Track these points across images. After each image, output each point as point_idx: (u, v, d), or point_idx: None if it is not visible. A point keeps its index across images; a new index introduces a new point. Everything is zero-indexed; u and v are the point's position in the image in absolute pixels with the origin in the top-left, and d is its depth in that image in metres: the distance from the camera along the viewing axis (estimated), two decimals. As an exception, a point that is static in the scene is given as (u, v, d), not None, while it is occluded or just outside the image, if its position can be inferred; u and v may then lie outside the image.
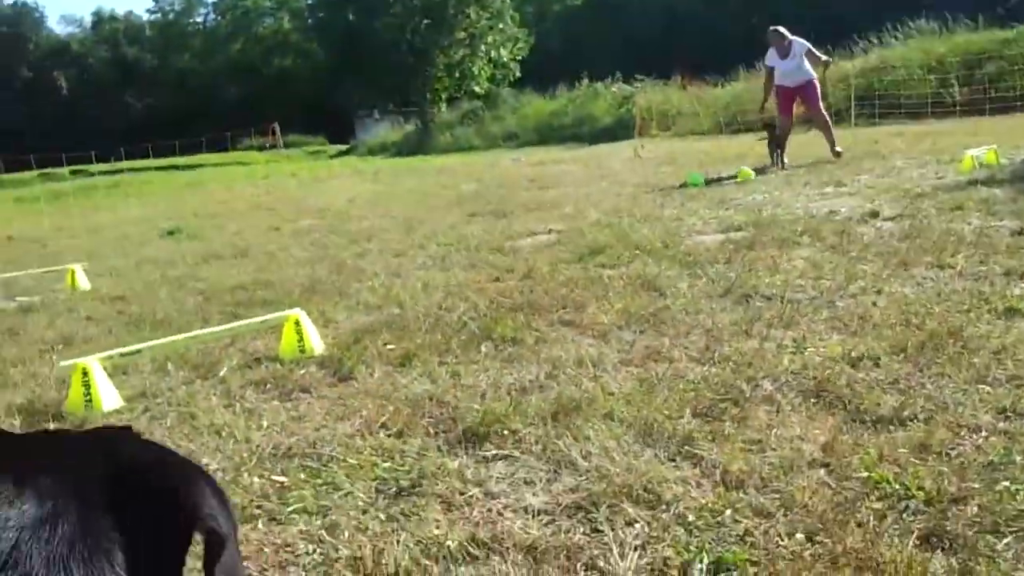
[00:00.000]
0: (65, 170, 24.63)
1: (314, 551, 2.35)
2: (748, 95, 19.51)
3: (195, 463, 0.81)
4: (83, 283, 7.39)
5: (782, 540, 2.14)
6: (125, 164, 24.54)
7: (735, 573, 2.04)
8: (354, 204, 12.45)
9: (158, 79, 63.25)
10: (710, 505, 2.34)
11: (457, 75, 34.42)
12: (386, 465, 2.85)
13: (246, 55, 50.15)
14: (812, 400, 3.03)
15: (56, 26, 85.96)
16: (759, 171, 10.61)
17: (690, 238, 6.55)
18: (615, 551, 2.16)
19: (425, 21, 33.49)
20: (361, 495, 2.65)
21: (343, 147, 39.36)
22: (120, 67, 64.65)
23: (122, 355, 4.18)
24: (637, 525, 2.29)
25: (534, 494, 2.55)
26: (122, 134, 45.13)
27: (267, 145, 34.09)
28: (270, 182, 19.36)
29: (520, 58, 34.67)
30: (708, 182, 10.10)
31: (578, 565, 2.14)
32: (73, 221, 13.76)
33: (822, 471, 2.49)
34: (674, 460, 2.67)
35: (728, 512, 2.30)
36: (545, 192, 11.22)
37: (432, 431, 3.13)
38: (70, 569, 0.65)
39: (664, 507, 2.36)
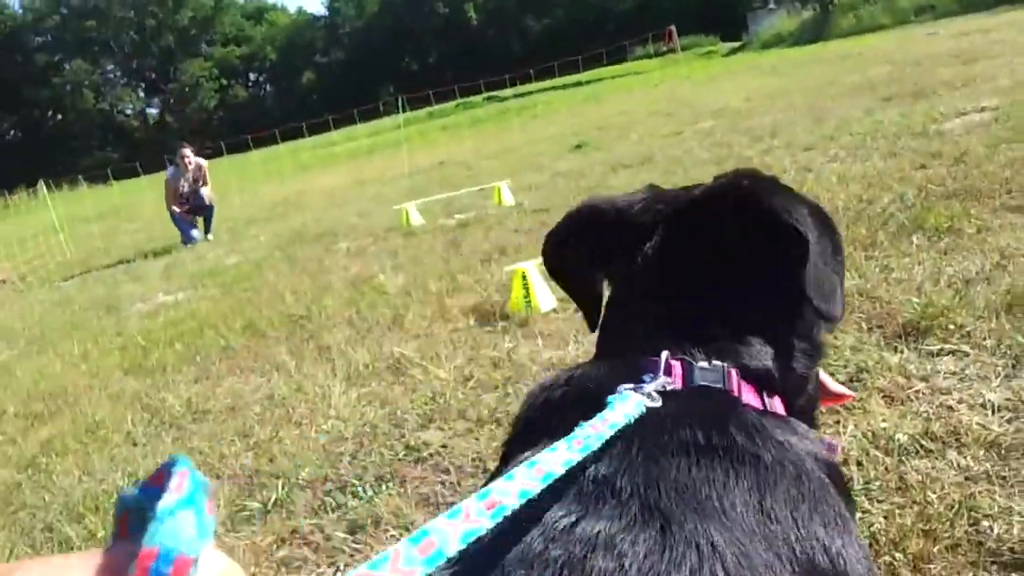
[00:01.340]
0: (480, 97, 27.01)
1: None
2: None
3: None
4: (507, 199, 8.12)
5: None
6: (533, 86, 26.18)
7: None
8: (752, 101, 12.08)
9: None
10: None
11: (861, -54, 31.21)
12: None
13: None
14: None
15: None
16: None
17: None
18: (1100, 449, 1.94)
19: None
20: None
21: (735, 44, 38.06)
22: (518, -8, 68.52)
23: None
24: None
25: (991, 390, 2.36)
26: (525, 57, 48.19)
27: (663, 49, 34.04)
28: (665, 87, 19.47)
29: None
30: None
31: (1053, 465, 1.96)
32: (492, 144, 15.08)
33: None
34: None
35: None
36: (972, 66, 9.89)
37: (866, 326, 3.02)
38: None
39: None
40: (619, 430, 0.78)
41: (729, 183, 1.06)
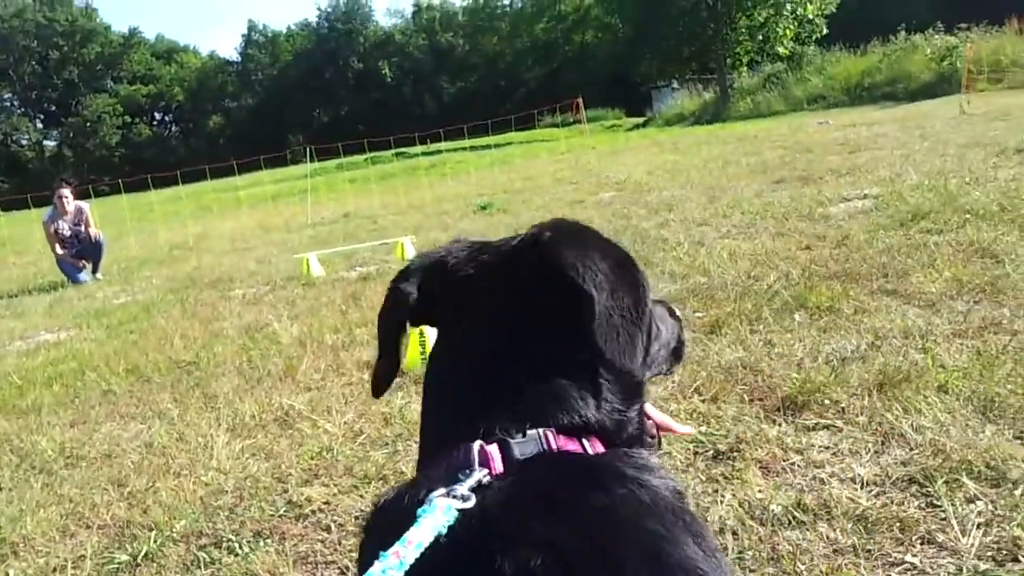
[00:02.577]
0: (390, 153, 27.10)
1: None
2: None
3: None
4: (410, 254, 8.11)
5: None
6: (444, 145, 26.39)
7: (1101, 562, 1.86)
8: (653, 175, 12.49)
9: (468, 63, 67.32)
10: (1068, 487, 2.14)
11: (760, 37, 32.91)
12: (702, 428, 2.90)
13: (549, 33, 51.81)
14: None
15: (382, 19, 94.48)
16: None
17: (1033, 201, 5.86)
18: (955, 527, 2.05)
19: (727, -17, 32.37)
20: (679, 456, 2.72)
21: (639, 120, 39.44)
22: (435, 54, 69.56)
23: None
24: (980, 502, 2.15)
25: (861, 464, 2.47)
26: (437, 117, 48.72)
27: (571, 120, 34.94)
28: (571, 156, 19.94)
29: (828, 13, 32.33)
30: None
31: (913, 538, 2.06)
32: (398, 199, 15.09)
33: None
34: (1021, 438, 2.46)
35: (1090, 496, 2.09)
36: (857, 155, 10.53)
37: (747, 398, 3.13)
38: None
39: (1011, 486, 2.19)
40: (433, 544, 0.77)
41: (532, 236, 1.06)
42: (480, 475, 0.86)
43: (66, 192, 10.58)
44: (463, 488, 0.83)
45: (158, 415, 4.10)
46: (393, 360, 1.18)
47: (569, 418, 0.96)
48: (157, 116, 79.74)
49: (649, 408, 1.17)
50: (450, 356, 1.08)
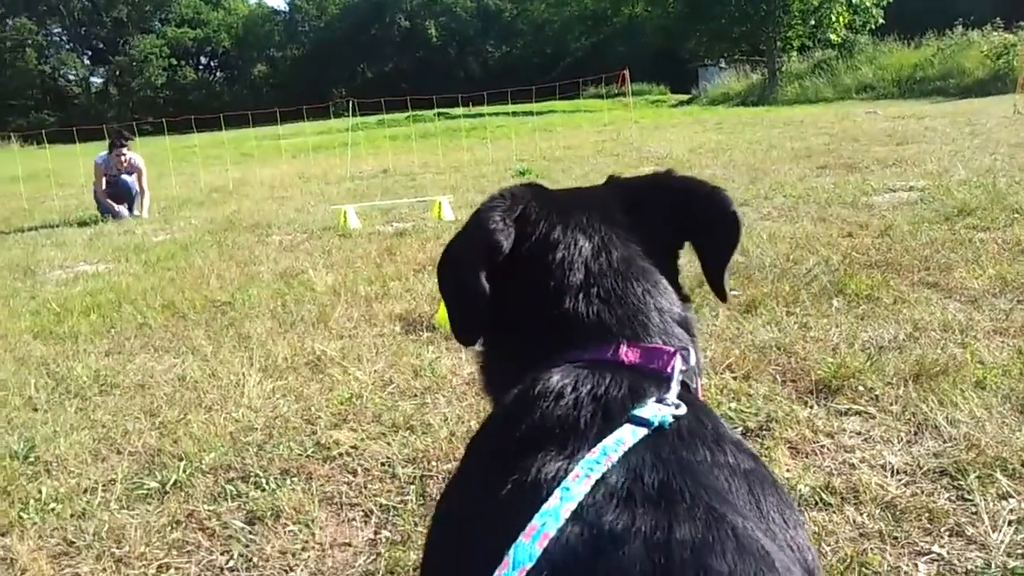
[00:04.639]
0: (432, 112, 27.01)
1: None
2: None
3: None
4: (447, 214, 8.11)
5: None
6: (486, 109, 26.23)
7: None
8: (695, 153, 12.35)
9: (515, 28, 66.73)
10: (1105, 491, 2.11)
11: (812, 22, 32.23)
12: (732, 405, 2.89)
13: (599, 3, 51.05)
14: None
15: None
16: None
17: (1086, 204, 5.74)
18: (986, 522, 2.03)
19: (784, -35, 31.71)
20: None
21: (684, 97, 38.92)
22: (483, 17, 69.00)
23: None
24: (1012, 499, 2.13)
25: (892, 453, 2.45)
26: (481, 80, 48.41)
27: (616, 92, 34.59)
28: (613, 128, 19.76)
29: (884, 3, 31.59)
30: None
31: (942, 529, 2.05)
32: (438, 159, 15.05)
33: None
34: (1059, 439, 2.42)
35: None
36: (905, 147, 10.33)
37: (780, 378, 3.12)
38: None
39: (1047, 485, 2.17)
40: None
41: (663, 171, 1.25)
42: (677, 388, 0.92)
43: (126, 151, 10.58)
44: (672, 397, 0.90)
45: (192, 351, 4.15)
46: (484, 297, 1.07)
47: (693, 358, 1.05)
48: (203, 61, 79.92)
49: None
50: (569, 268, 1.09)
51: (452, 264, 1.13)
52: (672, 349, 1.00)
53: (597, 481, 0.76)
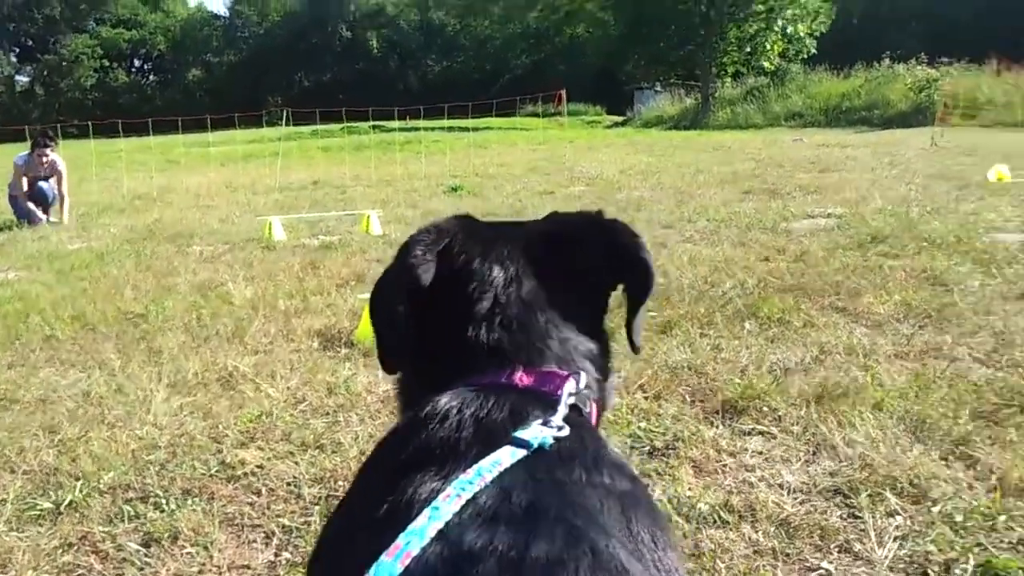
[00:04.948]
0: (367, 125, 26.83)
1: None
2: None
3: None
4: (375, 228, 8.06)
5: (1066, 561, 1.97)
6: (422, 123, 26.20)
7: (1005, 584, 1.92)
8: (625, 174, 12.53)
9: (457, 43, 66.83)
10: (982, 508, 2.21)
11: (748, 49, 33.04)
12: (642, 424, 2.93)
13: (542, 22, 51.53)
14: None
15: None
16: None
17: (987, 235, 5.99)
18: (873, 538, 2.10)
19: (724, -8, 32.38)
20: (616, 448, 2.74)
21: (619, 118, 39.47)
22: (426, 31, 68.91)
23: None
24: (899, 517, 2.21)
25: (790, 472, 2.52)
26: (420, 94, 48.33)
27: (552, 111, 34.87)
28: (547, 148, 19.93)
29: (818, 34, 32.54)
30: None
31: (832, 546, 2.11)
32: (371, 172, 14.96)
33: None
34: (946, 459, 2.52)
35: (1002, 518, 2.15)
36: (826, 175, 10.67)
37: (689, 399, 3.17)
38: None
39: (930, 503, 2.26)
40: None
41: (594, 212, 1.29)
42: (564, 410, 0.93)
43: (48, 152, 10.25)
44: (558, 419, 0.90)
45: (99, 365, 4.03)
46: (405, 327, 1.11)
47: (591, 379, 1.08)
48: (136, 63, 78.13)
49: None
50: (480, 299, 1.11)
51: (378, 296, 1.17)
52: (565, 373, 1.01)
53: (468, 501, 0.76)
